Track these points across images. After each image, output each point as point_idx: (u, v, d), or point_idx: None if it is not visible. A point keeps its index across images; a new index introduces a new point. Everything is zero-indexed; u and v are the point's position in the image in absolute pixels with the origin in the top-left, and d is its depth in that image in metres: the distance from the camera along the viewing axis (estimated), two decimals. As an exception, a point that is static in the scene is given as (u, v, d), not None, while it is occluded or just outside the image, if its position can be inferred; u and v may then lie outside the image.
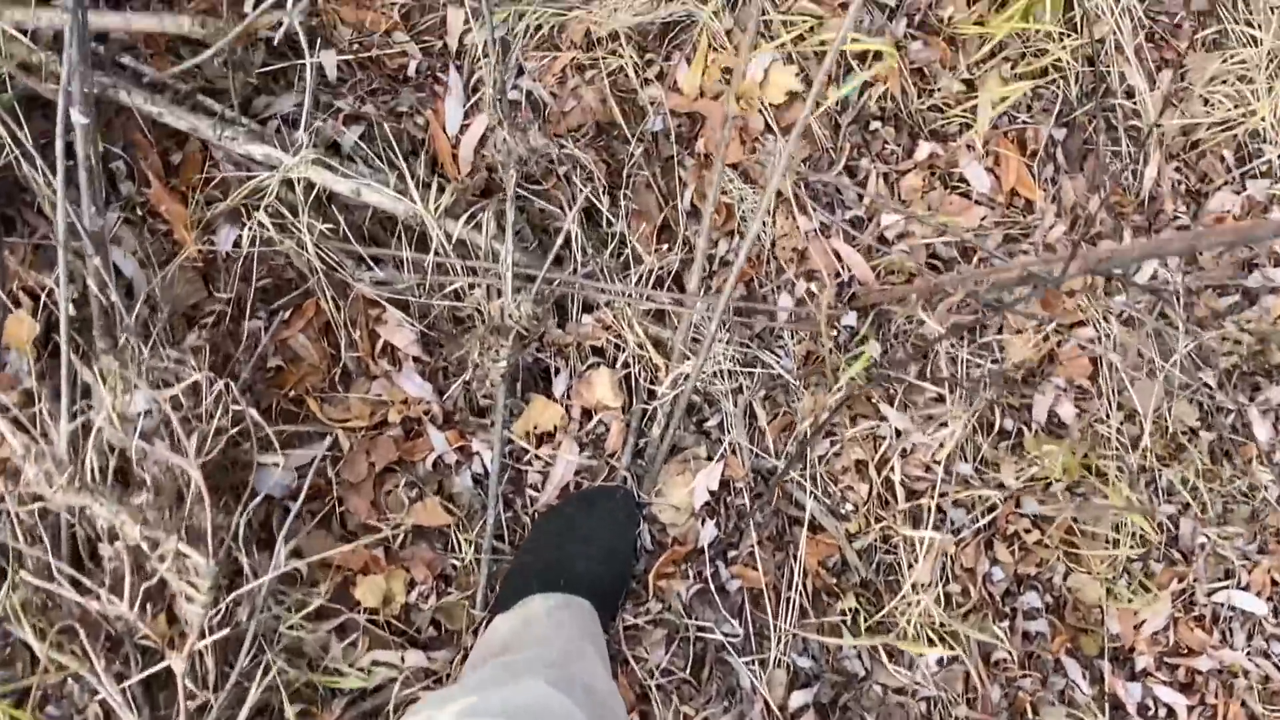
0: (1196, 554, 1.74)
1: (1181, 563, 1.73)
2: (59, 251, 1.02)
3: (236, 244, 1.42)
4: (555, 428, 1.41)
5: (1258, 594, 1.78)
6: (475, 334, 1.30)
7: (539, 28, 1.56)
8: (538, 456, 1.40)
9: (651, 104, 1.57)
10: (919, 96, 1.64)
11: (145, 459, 0.98)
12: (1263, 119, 1.75)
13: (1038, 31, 1.64)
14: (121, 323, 1.13)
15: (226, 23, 1.38)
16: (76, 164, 1.16)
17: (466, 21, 1.56)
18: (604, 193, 1.51)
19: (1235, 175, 1.79)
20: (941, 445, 1.44)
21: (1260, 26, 1.76)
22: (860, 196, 1.59)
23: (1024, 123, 1.68)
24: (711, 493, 1.43)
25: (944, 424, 1.44)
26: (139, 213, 1.44)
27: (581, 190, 1.49)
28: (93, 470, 0.95)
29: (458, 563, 1.38)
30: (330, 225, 1.40)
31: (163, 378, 1.15)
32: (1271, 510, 1.79)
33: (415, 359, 1.45)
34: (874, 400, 1.52)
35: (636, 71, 1.56)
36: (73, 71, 1.11)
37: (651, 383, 1.44)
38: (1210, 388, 1.78)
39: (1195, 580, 1.73)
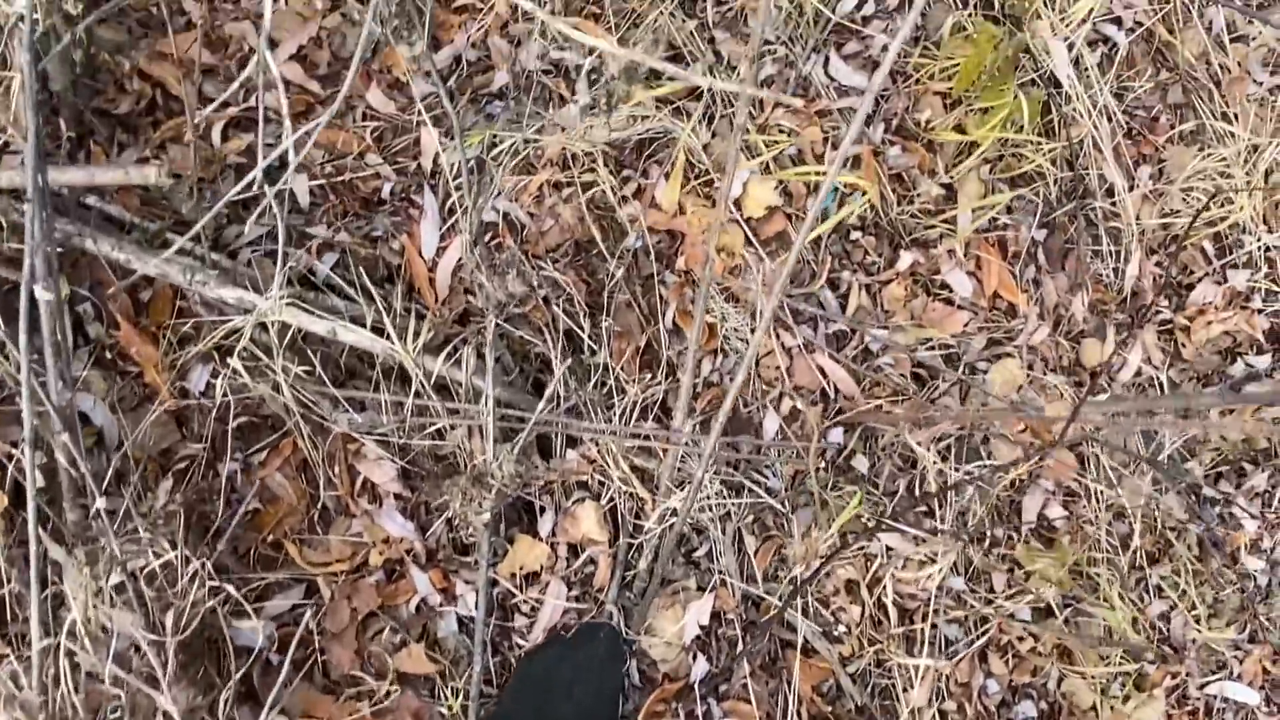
0: (1188, 648, 1.73)
1: (1174, 658, 1.72)
2: (26, 450, 0.99)
3: (209, 386, 1.39)
4: (541, 567, 1.38)
5: (1249, 684, 1.77)
6: (457, 484, 1.27)
7: (515, 148, 1.53)
8: (525, 600, 1.37)
9: (630, 222, 1.55)
10: (899, 203, 1.63)
11: (120, 681, 0.94)
12: (1241, 208, 1.75)
13: (1018, 131, 1.63)
14: (92, 502, 1.10)
15: (195, 166, 1.35)
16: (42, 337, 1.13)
17: (441, 141, 1.53)
18: (585, 316, 1.49)
19: (1216, 266, 1.79)
20: (936, 573, 1.43)
21: (1236, 118, 1.76)
22: (843, 309, 1.58)
23: (1004, 225, 1.67)
24: (702, 626, 1.40)
25: (934, 555, 1.42)
26: (108, 355, 1.40)
27: (561, 316, 1.47)
28: (66, 692, 0.92)
29: (445, 711, 1.35)
30: (306, 367, 1.37)
31: (136, 553, 1.12)
32: (1261, 598, 1.79)
33: (396, 495, 1.42)
34: (864, 519, 1.50)
35: (613, 190, 1.54)
36: (36, 249, 1.08)
37: (637, 516, 1.42)
38: (1198, 480, 1.78)
39: (1188, 675, 1.72)
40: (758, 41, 1.08)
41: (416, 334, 1.38)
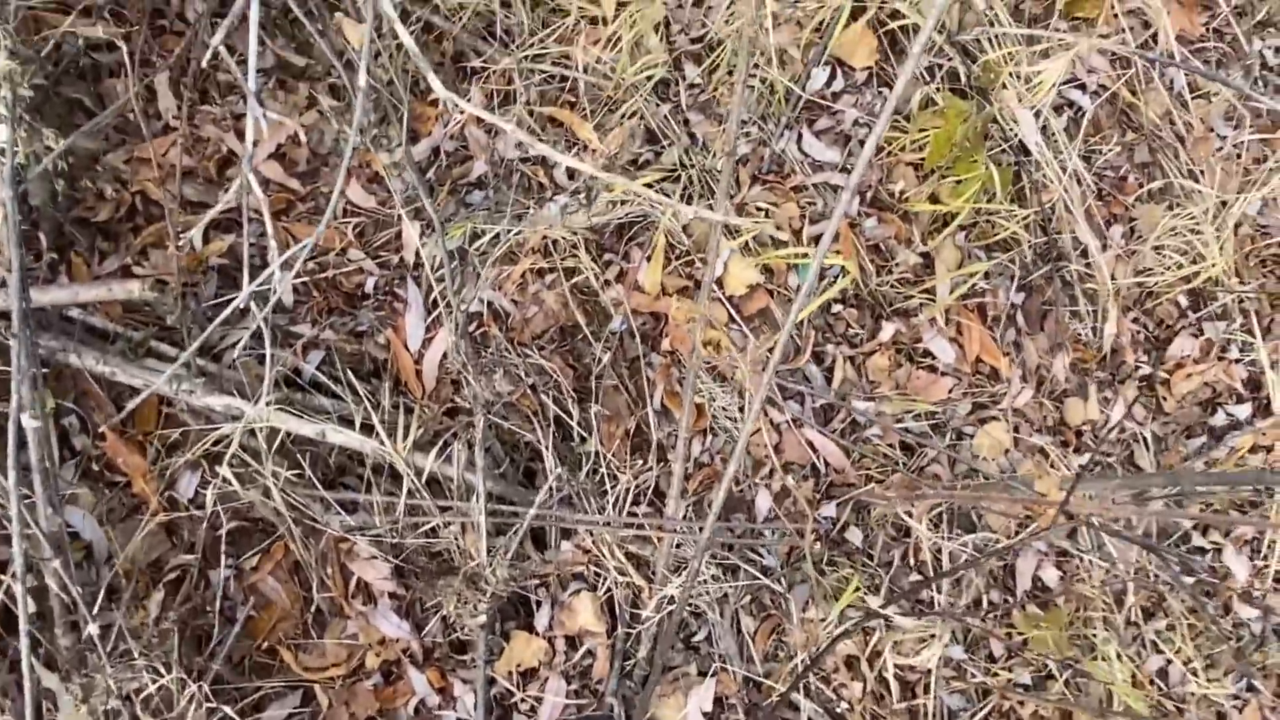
0: (1188, 701, 1.74)
1: (1174, 714, 1.72)
2: (18, 585, 0.98)
3: (198, 494, 1.38)
4: (539, 663, 1.37)
5: (1250, 733, 1.77)
6: (451, 586, 1.27)
7: (496, 238, 1.54)
8: (524, 699, 1.36)
9: (614, 305, 1.55)
10: (878, 274, 1.65)
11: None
12: (1213, 265, 1.78)
13: (990, 199, 1.66)
14: (85, 626, 1.09)
15: (179, 275, 1.35)
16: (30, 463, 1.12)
17: (423, 234, 1.54)
18: (573, 403, 1.49)
19: (1192, 319, 1.81)
20: (938, 646, 1.43)
21: (1202, 174, 1.79)
22: (829, 382, 1.59)
23: (983, 291, 1.69)
24: (705, 713, 1.40)
25: (933, 627, 1.42)
26: (95, 466, 1.39)
27: (550, 404, 1.47)
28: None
29: (449, 815, 1.33)
30: (296, 470, 1.37)
31: (131, 678, 1.10)
32: (1256, 646, 1.80)
33: (391, 594, 1.41)
34: (860, 592, 1.50)
35: (595, 275, 1.55)
36: (22, 379, 1.07)
37: (634, 604, 1.41)
38: (1188, 531, 1.79)
39: (1189, 728, 1.72)
40: (732, 135, 1.10)
41: (406, 429, 1.38)
